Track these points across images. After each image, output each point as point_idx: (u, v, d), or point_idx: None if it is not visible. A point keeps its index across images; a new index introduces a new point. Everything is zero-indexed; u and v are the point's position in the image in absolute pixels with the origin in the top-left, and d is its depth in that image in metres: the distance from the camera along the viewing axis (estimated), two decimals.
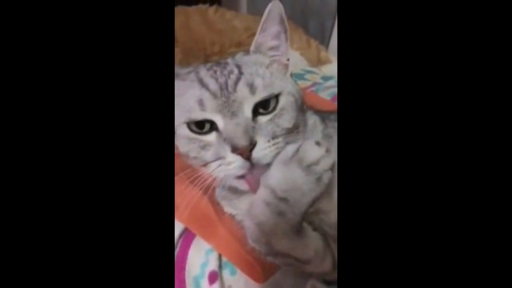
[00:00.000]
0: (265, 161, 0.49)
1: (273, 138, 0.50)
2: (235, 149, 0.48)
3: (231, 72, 0.53)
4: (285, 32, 0.57)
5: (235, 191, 0.56)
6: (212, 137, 0.52)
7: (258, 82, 0.52)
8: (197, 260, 0.60)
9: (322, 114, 0.63)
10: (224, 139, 0.50)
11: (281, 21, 0.56)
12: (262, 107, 0.52)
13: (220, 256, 0.59)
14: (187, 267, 0.60)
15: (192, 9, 1.61)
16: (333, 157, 0.47)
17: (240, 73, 0.52)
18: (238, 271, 0.57)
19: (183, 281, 0.60)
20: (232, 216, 0.58)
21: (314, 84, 1.24)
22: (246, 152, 0.48)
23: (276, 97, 0.53)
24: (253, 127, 0.50)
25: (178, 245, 0.62)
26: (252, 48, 0.57)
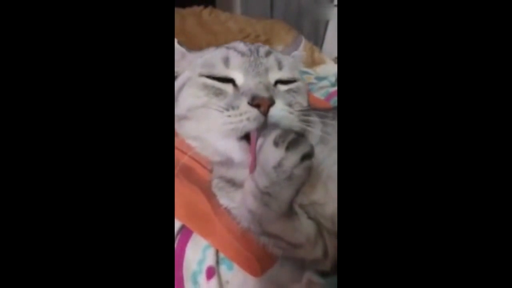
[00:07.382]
0: (279, 123, 0.48)
1: (290, 106, 0.51)
2: (254, 99, 0.47)
3: (261, 46, 0.59)
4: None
5: (233, 183, 0.57)
6: (229, 87, 0.53)
7: (285, 62, 0.57)
8: (195, 256, 0.61)
9: (319, 112, 0.64)
10: (242, 93, 0.50)
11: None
12: (282, 82, 0.57)
13: (217, 252, 0.60)
14: (184, 264, 0.61)
15: (187, 11, 1.61)
16: (301, 150, 0.44)
17: (271, 51, 0.59)
18: (235, 266, 0.58)
19: (181, 278, 0.60)
20: (228, 211, 0.59)
21: (308, 84, 1.26)
22: (265, 104, 0.47)
23: (295, 80, 0.58)
24: (273, 90, 0.52)
25: (176, 242, 0.63)
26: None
